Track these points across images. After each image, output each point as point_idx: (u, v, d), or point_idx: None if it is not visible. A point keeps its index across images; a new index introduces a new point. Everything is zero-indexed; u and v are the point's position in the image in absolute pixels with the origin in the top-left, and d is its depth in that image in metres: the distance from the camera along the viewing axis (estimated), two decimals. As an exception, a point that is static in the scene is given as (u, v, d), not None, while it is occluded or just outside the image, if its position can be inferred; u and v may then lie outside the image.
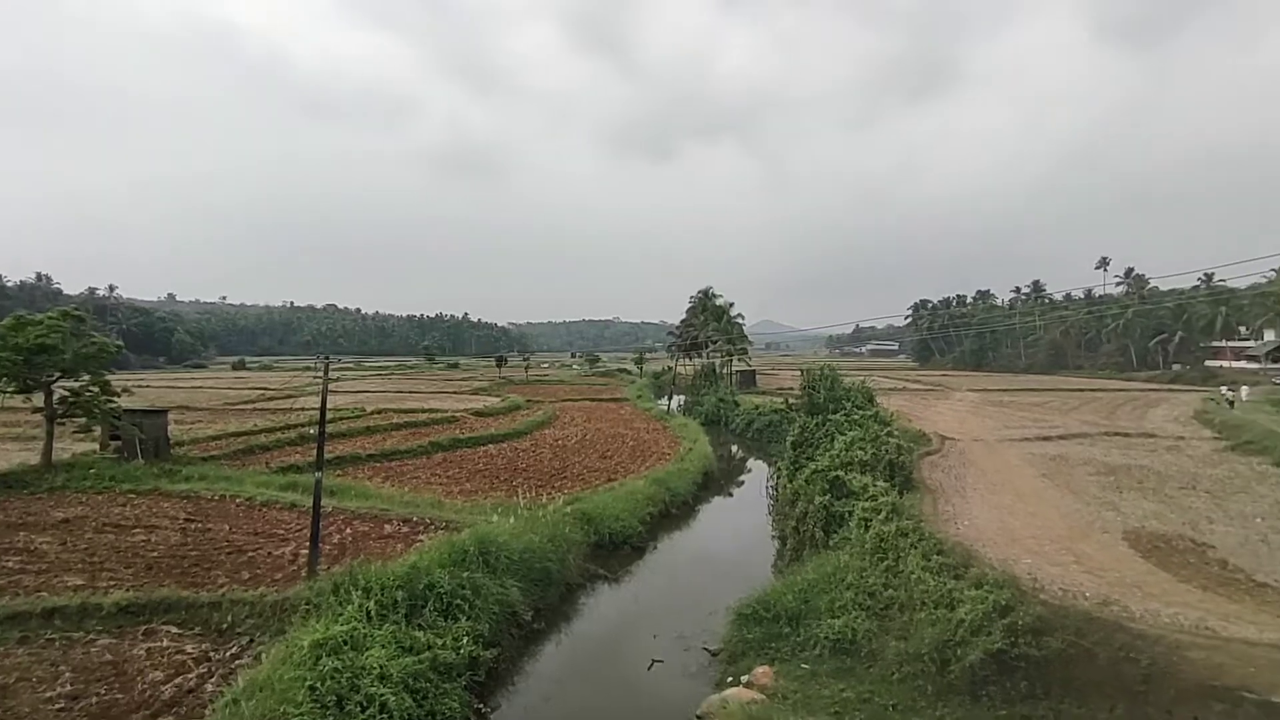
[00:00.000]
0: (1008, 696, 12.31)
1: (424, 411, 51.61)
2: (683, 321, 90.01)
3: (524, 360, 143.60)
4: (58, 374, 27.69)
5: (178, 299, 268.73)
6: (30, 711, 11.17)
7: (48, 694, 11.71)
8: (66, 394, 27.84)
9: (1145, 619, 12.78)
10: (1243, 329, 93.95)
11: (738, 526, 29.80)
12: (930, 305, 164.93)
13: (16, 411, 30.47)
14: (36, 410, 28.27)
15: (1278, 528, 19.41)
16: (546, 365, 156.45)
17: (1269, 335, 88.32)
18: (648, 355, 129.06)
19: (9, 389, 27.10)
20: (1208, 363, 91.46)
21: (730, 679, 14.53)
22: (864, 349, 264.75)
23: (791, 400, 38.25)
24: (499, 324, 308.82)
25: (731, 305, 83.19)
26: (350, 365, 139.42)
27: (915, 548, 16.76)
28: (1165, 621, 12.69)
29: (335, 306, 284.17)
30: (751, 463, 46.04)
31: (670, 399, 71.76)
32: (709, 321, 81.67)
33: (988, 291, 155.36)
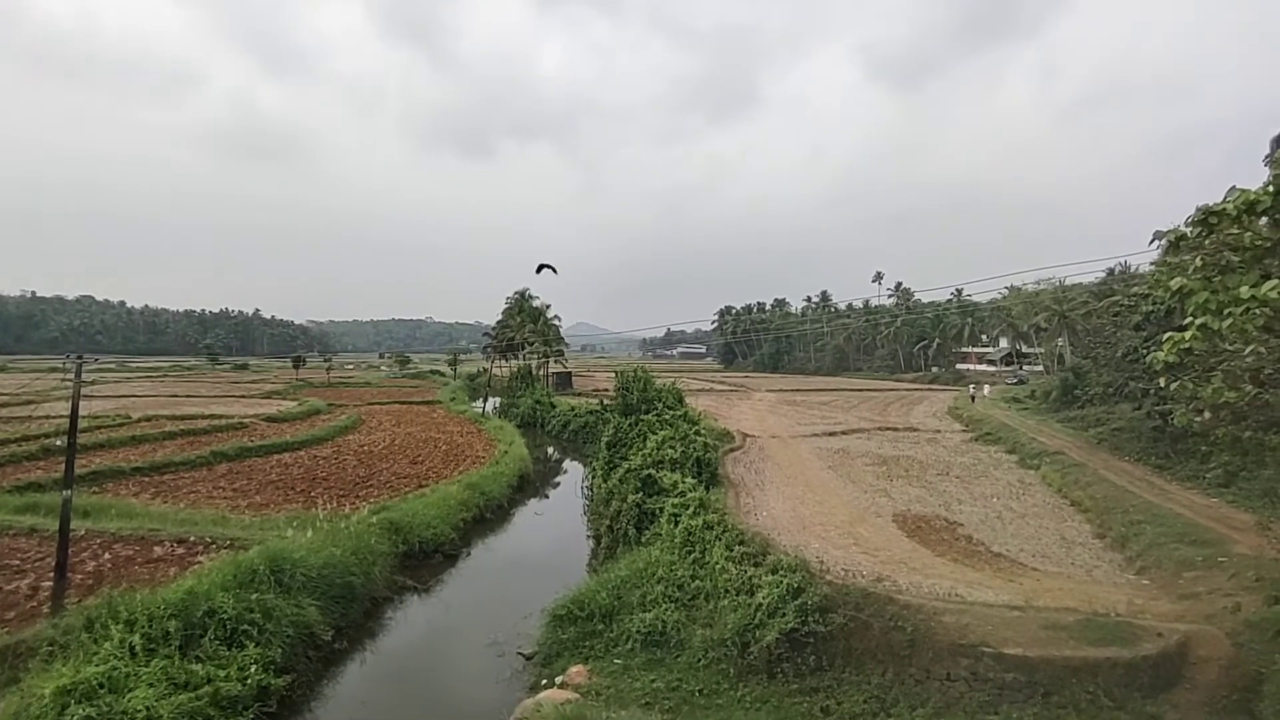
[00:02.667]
0: (799, 671, 13.42)
1: (205, 418, 46.34)
2: (499, 322, 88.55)
3: (325, 361, 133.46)
4: None
5: None
6: None
7: None
8: None
9: (910, 591, 14.51)
10: (984, 337, 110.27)
11: (554, 528, 29.85)
12: (734, 311, 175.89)
13: None
14: None
15: (1010, 506, 22.98)
16: (351, 366, 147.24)
17: (1003, 342, 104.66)
18: (462, 356, 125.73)
19: None
20: (958, 366, 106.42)
21: (545, 681, 14.49)
22: (674, 352, 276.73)
23: (606, 401, 38.92)
24: (296, 321, 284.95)
25: (549, 307, 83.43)
26: (112, 365, 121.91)
27: (720, 539, 17.76)
28: (925, 592, 14.50)
29: (93, 298, 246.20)
30: (568, 464, 46.29)
31: (485, 401, 70.24)
32: (526, 323, 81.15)
33: (784, 300, 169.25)
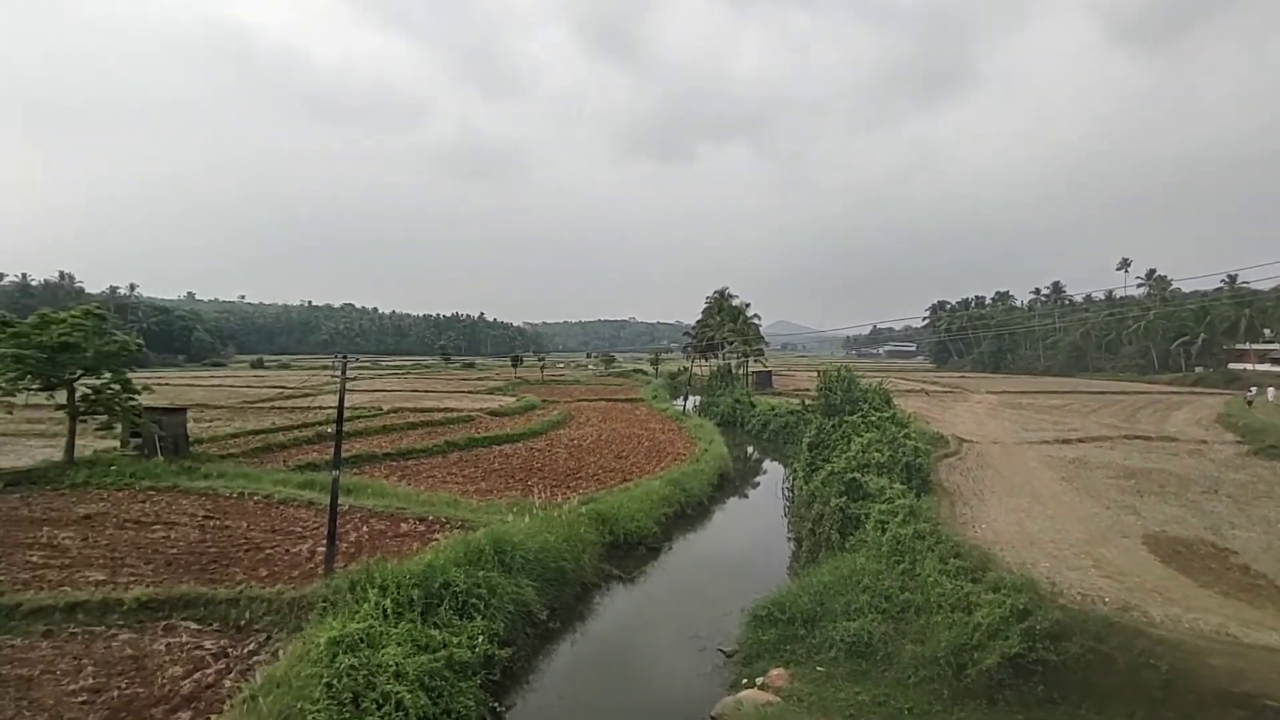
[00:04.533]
0: (1024, 701, 12.19)
1: (440, 411, 51.91)
2: (698, 322, 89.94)
3: (539, 360, 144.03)
4: (80, 371, 28.12)
5: (197, 297, 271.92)
6: (54, 704, 11.36)
7: (70, 686, 11.90)
8: (88, 391, 28.26)
9: (1165, 624, 12.61)
10: (1267, 331, 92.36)
11: (753, 528, 29.72)
12: (949, 306, 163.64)
13: (40, 409, 30.99)
14: (59, 407, 28.71)
15: (1303, 533, 19.08)
16: (562, 365, 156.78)
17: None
18: (663, 355, 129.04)
19: (33, 386, 27.56)
20: (1231, 366, 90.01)
21: (745, 680, 14.49)
22: (881, 350, 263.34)
23: (808, 401, 38.07)
24: (515, 323, 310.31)
25: (748, 306, 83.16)
26: (367, 364, 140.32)
27: (932, 551, 16.65)
28: (1185, 627, 12.51)
29: (353, 306, 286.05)
30: (767, 464, 45.86)
31: (686, 399, 71.66)
32: (725, 322, 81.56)
33: (1007, 293, 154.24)
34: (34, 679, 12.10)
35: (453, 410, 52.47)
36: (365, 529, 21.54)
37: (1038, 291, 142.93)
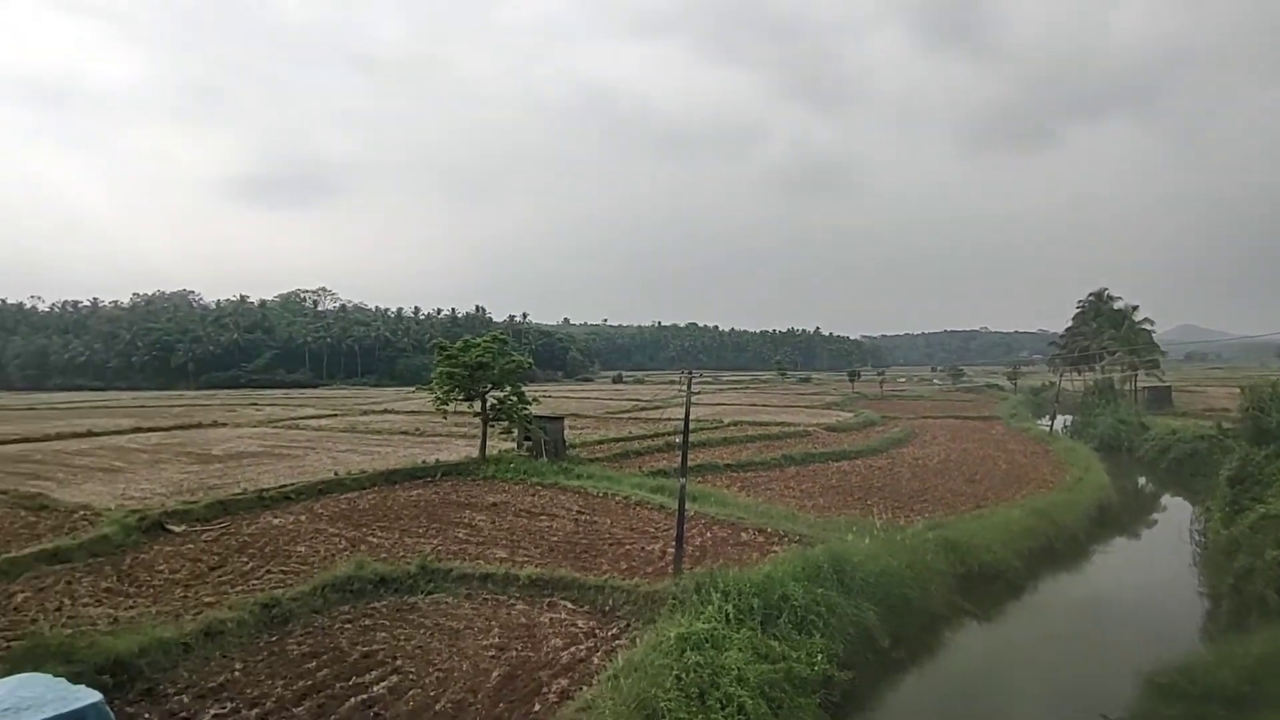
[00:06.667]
0: None
1: (777, 425, 52.80)
2: (1068, 329, 78.54)
3: (879, 375, 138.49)
4: (489, 385, 34.55)
5: (571, 322, 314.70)
6: (473, 654, 14.02)
7: (483, 642, 14.57)
8: (495, 401, 34.57)
9: None
10: None
11: (1147, 575, 24.76)
12: None
13: (463, 415, 38.82)
14: (476, 414, 35.59)
15: None
16: (903, 380, 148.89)
17: None
18: (1023, 368, 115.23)
19: (459, 397, 34.59)
20: None
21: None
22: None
23: (1226, 424, 30.58)
24: (851, 337, 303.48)
25: (1134, 309, 70.32)
26: (709, 379, 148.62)
27: None
28: None
29: (695, 324, 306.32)
30: (1166, 499, 37.93)
31: (1053, 418, 62.68)
32: (1103, 329, 69.88)
33: None
34: (459, 631, 15.08)
35: (789, 424, 53.02)
36: (709, 535, 22.78)
37: None
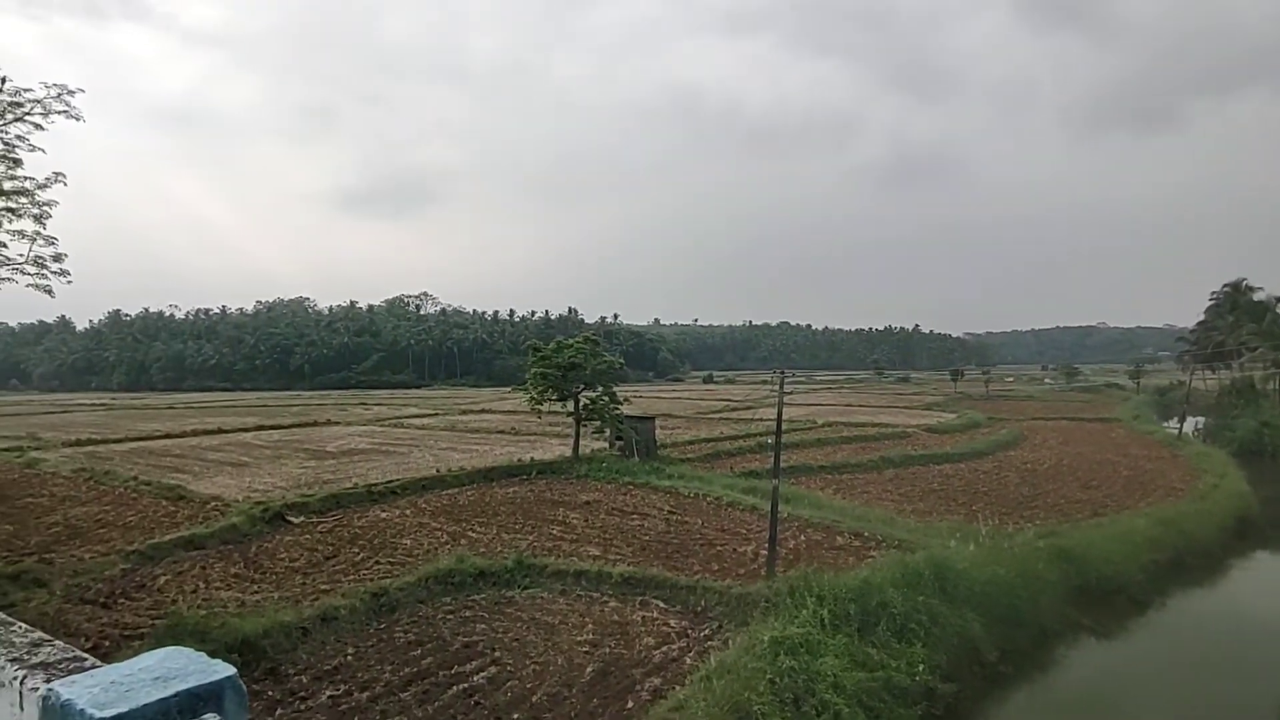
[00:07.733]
0: None
1: (873, 426, 51.23)
2: (1200, 324, 72.59)
3: (984, 374, 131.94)
4: (581, 385, 35.14)
5: (661, 322, 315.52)
6: (567, 649, 14.32)
7: (578, 638, 14.86)
8: (587, 401, 35.14)
9: None
10: None
11: (1294, 594, 22.50)
12: None
13: (556, 415, 39.65)
14: (569, 414, 36.29)
15: None
16: (1010, 379, 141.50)
17: None
18: (1147, 367, 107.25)
19: (553, 397, 35.37)
20: None
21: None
22: None
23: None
24: (953, 334, 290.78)
25: (1278, 301, 63.75)
26: (801, 379, 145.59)
27: None
28: None
29: (787, 323, 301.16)
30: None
31: (1183, 421, 57.96)
32: (1242, 322, 64.07)
33: None
34: (555, 626, 15.43)
35: (887, 425, 51.33)
36: (802, 538, 22.35)
37: None
